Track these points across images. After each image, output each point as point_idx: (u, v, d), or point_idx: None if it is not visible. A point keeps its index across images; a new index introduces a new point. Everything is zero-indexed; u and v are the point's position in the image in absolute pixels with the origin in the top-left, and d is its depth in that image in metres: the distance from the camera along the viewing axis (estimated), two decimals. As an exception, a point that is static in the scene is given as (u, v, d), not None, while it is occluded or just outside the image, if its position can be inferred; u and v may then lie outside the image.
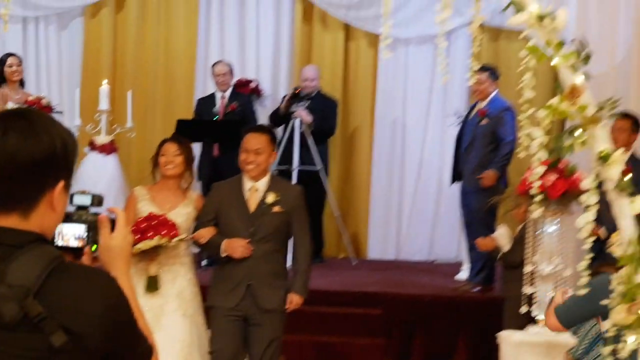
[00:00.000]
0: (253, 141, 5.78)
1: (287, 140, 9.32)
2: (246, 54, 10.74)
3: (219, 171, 8.78)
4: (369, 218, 10.65)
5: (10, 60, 9.01)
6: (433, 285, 8.70)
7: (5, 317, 1.91)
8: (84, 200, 2.24)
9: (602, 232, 6.49)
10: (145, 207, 5.87)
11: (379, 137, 10.62)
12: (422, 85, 10.54)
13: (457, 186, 8.64)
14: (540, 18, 2.92)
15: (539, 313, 5.20)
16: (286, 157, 9.22)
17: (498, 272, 7.76)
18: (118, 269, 2.19)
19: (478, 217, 8.01)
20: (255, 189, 5.82)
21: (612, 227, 3.49)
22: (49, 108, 8.70)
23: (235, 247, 5.71)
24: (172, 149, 5.94)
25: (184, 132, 7.16)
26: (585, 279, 3.39)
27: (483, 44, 10.01)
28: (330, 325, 7.81)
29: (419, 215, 10.62)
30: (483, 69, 8.13)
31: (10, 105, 8.59)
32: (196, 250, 6.41)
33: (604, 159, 3.06)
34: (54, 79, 10.73)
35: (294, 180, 8.91)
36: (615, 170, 3.05)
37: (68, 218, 2.16)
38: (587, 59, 2.99)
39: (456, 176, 8.51)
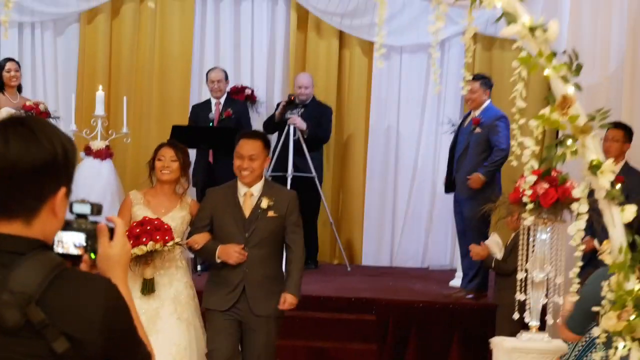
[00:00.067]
0: (247, 147, 5.79)
1: (281, 147, 9.35)
2: (241, 60, 10.77)
3: (214, 177, 8.80)
4: (363, 224, 10.68)
5: (8, 66, 9.02)
6: (427, 291, 8.72)
7: (8, 323, 1.93)
8: (84, 208, 2.23)
9: (596, 243, 6.53)
10: (140, 212, 5.89)
11: (373, 144, 10.66)
12: (416, 92, 10.58)
13: (450, 194, 8.67)
14: (532, 29, 2.97)
15: (531, 320, 5.23)
16: (281, 164, 9.26)
17: (491, 279, 7.79)
18: (116, 277, 2.19)
19: (471, 224, 8.04)
20: (250, 194, 5.83)
21: (604, 237, 3.54)
22: (46, 114, 8.71)
23: (230, 253, 5.73)
24: (169, 154, 5.96)
25: (179, 138, 7.19)
26: (576, 286, 3.43)
27: (477, 52, 10.10)
28: (324, 331, 7.83)
29: (413, 222, 10.65)
30: (475, 77, 8.17)
31: (7, 110, 8.61)
32: (191, 255, 6.44)
33: (594, 168, 3.10)
34: (49, 85, 10.74)
35: (288, 186, 8.93)
36: (605, 179, 3.09)
37: (68, 226, 2.18)
38: (578, 70, 3.03)
39: (450, 185, 8.54)
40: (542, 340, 5.18)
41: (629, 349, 3.29)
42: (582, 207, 3.19)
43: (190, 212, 5.99)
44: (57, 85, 10.76)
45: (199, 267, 8.48)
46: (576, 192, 3.23)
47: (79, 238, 2.19)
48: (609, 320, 3.32)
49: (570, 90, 3.02)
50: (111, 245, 2.24)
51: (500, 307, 6.82)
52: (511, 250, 6.64)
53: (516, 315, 5.23)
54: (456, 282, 8.79)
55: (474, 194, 8.00)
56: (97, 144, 9.16)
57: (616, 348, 3.32)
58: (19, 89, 9.17)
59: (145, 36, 10.75)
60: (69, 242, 2.17)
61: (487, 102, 8.26)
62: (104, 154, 9.17)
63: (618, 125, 7.31)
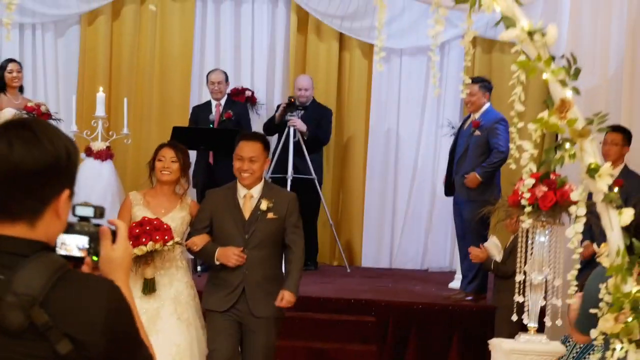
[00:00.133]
0: (247, 149, 5.80)
1: (281, 149, 9.37)
2: (241, 62, 10.81)
3: (214, 179, 8.83)
4: (363, 226, 10.71)
5: (10, 66, 9.04)
6: (426, 293, 8.75)
7: (12, 325, 1.95)
8: (87, 211, 2.25)
9: (596, 247, 6.55)
10: (140, 212, 5.89)
11: (373, 146, 10.69)
12: (416, 95, 10.61)
13: (451, 196, 8.69)
14: (531, 34, 2.99)
15: (529, 321, 5.25)
16: (281, 166, 9.28)
17: (490, 282, 7.81)
18: (118, 279, 2.20)
19: (470, 227, 8.06)
20: (250, 196, 5.84)
21: (603, 240, 3.56)
22: (47, 115, 8.74)
23: (229, 255, 5.74)
24: (169, 154, 5.96)
25: (180, 139, 7.21)
26: (574, 288, 3.45)
27: (476, 55, 10.11)
28: (323, 332, 7.84)
29: (412, 224, 10.68)
30: (475, 80, 8.19)
31: (9, 110, 8.64)
32: (191, 256, 6.45)
33: (592, 171, 3.12)
34: (50, 86, 10.77)
35: (288, 188, 8.95)
36: (603, 182, 3.10)
37: (70, 228, 2.19)
38: (576, 74, 3.05)
39: (450, 188, 8.56)
40: (540, 342, 5.20)
41: (626, 351, 3.31)
42: (580, 210, 3.21)
43: (190, 212, 6.00)
44: (58, 86, 10.79)
45: (199, 268, 8.49)
46: (574, 195, 3.25)
47: (82, 241, 2.20)
48: (606, 323, 3.34)
49: (568, 94, 3.04)
50: (114, 248, 2.25)
51: (499, 309, 6.83)
52: (510, 252, 6.66)
53: (515, 317, 5.25)
54: (455, 284, 8.81)
55: (474, 197, 8.01)
56: (98, 145, 9.19)
57: (613, 350, 3.34)
58: (21, 89, 9.19)
59: (146, 38, 10.78)
60: (72, 245, 2.18)
61: (487, 104, 8.27)
62: (104, 155, 9.21)
63: (617, 128, 7.33)
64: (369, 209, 10.70)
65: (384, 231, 10.73)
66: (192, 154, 9.00)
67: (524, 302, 5.27)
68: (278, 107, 9.77)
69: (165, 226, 5.77)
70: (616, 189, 3.18)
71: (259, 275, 5.79)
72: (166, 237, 5.73)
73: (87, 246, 2.20)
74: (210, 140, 9.38)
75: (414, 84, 10.60)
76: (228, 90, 9.93)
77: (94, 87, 9.91)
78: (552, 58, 3.08)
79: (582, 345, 5.28)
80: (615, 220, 3.24)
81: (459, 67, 10.00)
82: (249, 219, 5.81)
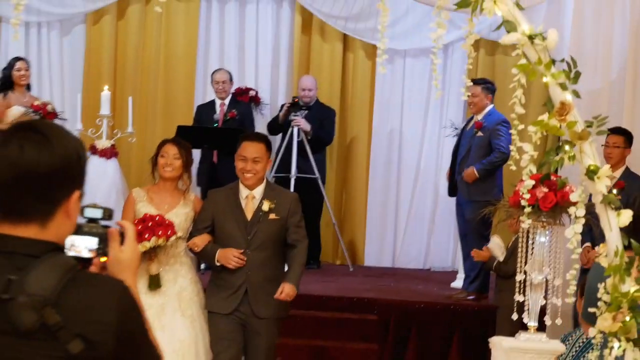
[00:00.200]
0: (251, 149, 5.79)
1: (285, 149, 9.42)
2: (245, 62, 10.84)
3: (218, 177, 8.87)
4: (366, 226, 10.74)
5: (18, 65, 9.07)
6: (428, 292, 8.79)
7: (24, 325, 1.97)
8: (95, 213, 2.27)
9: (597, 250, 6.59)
10: (144, 209, 5.89)
11: (376, 147, 10.72)
12: (419, 96, 10.64)
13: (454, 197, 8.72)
14: (531, 38, 3.04)
15: (529, 320, 5.30)
16: (284, 165, 9.33)
17: (492, 281, 7.85)
18: (126, 280, 2.20)
19: (473, 227, 8.11)
20: (252, 197, 5.83)
21: (602, 241, 3.60)
22: (53, 114, 8.77)
23: (229, 257, 5.73)
24: (172, 151, 5.96)
25: (184, 138, 7.23)
26: (573, 288, 3.50)
27: (480, 57, 10.14)
28: (326, 330, 7.89)
29: (415, 224, 10.71)
30: (477, 82, 8.23)
31: (17, 109, 8.69)
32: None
33: (591, 173, 3.16)
34: (55, 84, 10.80)
35: (292, 187, 9.01)
36: (602, 184, 3.15)
37: (79, 230, 2.21)
38: (576, 77, 3.10)
39: (453, 188, 8.60)
40: (540, 340, 5.25)
41: (624, 350, 3.36)
42: (579, 211, 3.26)
43: (194, 208, 5.99)
44: (63, 85, 10.83)
45: (202, 266, 8.53)
46: (574, 196, 3.30)
47: (92, 242, 2.22)
48: (604, 321, 3.38)
49: (568, 97, 3.08)
50: (122, 249, 2.27)
51: (501, 309, 6.87)
52: (512, 252, 6.69)
53: (515, 316, 5.29)
54: (458, 283, 8.84)
55: (475, 197, 8.04)
56: (103, 143, 9.22)
57: (611, 348, 3.39)
58: (28, 87, 9.23)
59: (151, 37, 10.83)
60: (82, 246, 2.21)
61: (490, 106, 8.31)
62: (109, 153, 9.23)
63: (618, 131, 7.37)
64: (371, 208, 10.74)
65: (386, 231, 10.76)
66: (197, 153, 9.07)
67: (524, 301, 5.31)
68: (282, 106, 9.83)
69: (167, 222, 5.77)
70: (615, 191, 3.22)
71: (260, 276, 5.78)
72: (169, 233, 5.73)
73: (96, 247, 2.22)
74: (214, 139, 9.42)
75: (417, 85, 10.64)
76: (232, 90, 9.97)
77: (99, 85, 9.95)
78: (553, 61, 3.13)
79: (581, 344, 5.32)
80: (614, 221, 3.28)
81: (462, 69, 10.02)
82: (251, 220, 5.80)
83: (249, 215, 5.81)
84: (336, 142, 10.37)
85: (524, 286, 5.36)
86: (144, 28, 10.83)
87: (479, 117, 8.31)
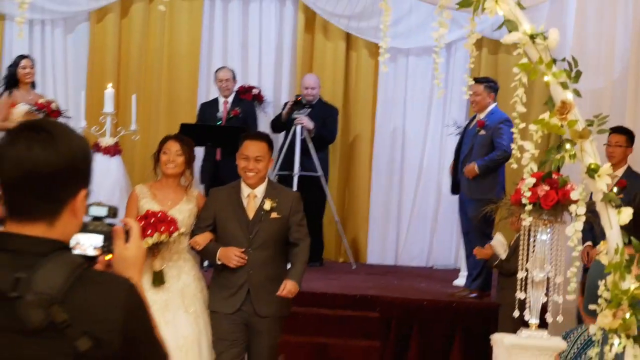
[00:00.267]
0: (253, 148, 5.78)
1: (288, 147, 9.44)
2: (249, 61, 10.86)
3: (221, 175, 8.89)
4: (369, 224, 10.76)
5: (23, 62, 9.09)
6: (430, 290, 8.80)
7: (32, 323, 1.98)
8: (100, 211, 2.29)
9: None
10: (147, 205, 5.89)
11: (379, 145, 10.74)
12: (422, 94, 10.65)
13: (457, 195, 8.74)
14: (532, 37, 3.06)
15: (530, 317, 5.32)
16: (287, 163, 9.36)
17: (495, 279, 7.87)
18: (131, 277, 2.21)
19: (475, 225, 8.13)
20: (254, 196, 5.83)
21: (603, 239, 3.63)
22: (58, 112, 8.79)
23: (230, 256, 5.73)
24: (174, 147, 5.95)
25: (187, 136, 7.26)
26: (573, 285, 3.53)
27: (483, 56, 10.15)
28: (328, 327, 7.91)
29: (418, 222, 10.73)
30: (480, 80, 8.26)
31: (23, 106, 8.72)
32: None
33: (592, 171, 3.19)
34: (59, 82, 10.83)
35: (295, 185, 9.04)
36: (602, 182, 3.18)
37: (85, 228, 2.22)
38: (577, 76, 3.12)
39: (457, 187, 8.63)
40: (541, 337, 5.27)
41: (624, 346, 3.39)
42: (580, 209, 3.29)
43: (197, 205, 5.98)
44: (67, 83, 10.86)
45: (205, 263, 8.55)
46: (574, 195, 3.33)
47: (97, 240, 2.24)
48: (604, 318, 3.41)
49: (569, 96, 3.11)
50: (127, 247, 2.29)
51: (503, 307, 6.89)
52: (514, 250, 6.71)
53: (516, 313, 5.32)
54: (460, 281, 8.86)
55: (478, 195, 8.05)
56: (106, 141, 9.25)
57: (611, 345, 3.41)
58: (33, 85, 9.26)
59: (154, 35, 10.86)
60: (87, 244, 2.22)
61: (493, 105, 8.32)
62: (112, 151, 9.26)
63: (621, 130, 7.40)
64: (374, 206, 10.76)
65: (389, 229, 10.78)
66: (200, 151, 9.09)
67: (525, 298, 5.34)
68: (285, 105, 9.85)
69: (169, 218, 5.77)
70: (616, 189, 3.25)
71: (262, 275, 5.78)
72: (171, 229, 5.73)
73: (101, 245, 2.24)
74: (217, 137, 9.45)
75: (420, 84, 10.64)
76: (235, 88, 10.00)
77: (102, 83, 9.98)
78: (554, 61, 3.16)
79: (582, 342, 5.35)
80: (614, 219, 3.31)
81: (465, 68, 10.02)
82: (253, 219, 5.80)
83: (250, 214, 5.82)
84: (339, 140, 10.40)
85: (526, 284, 5.38)
86: (147, 26, 10.86)
87: (482, 115, 8.33)
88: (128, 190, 8.99)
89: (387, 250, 10.78)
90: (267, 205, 5.78)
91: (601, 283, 3.43)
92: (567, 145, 3.17)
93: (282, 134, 9.82)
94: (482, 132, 8.23)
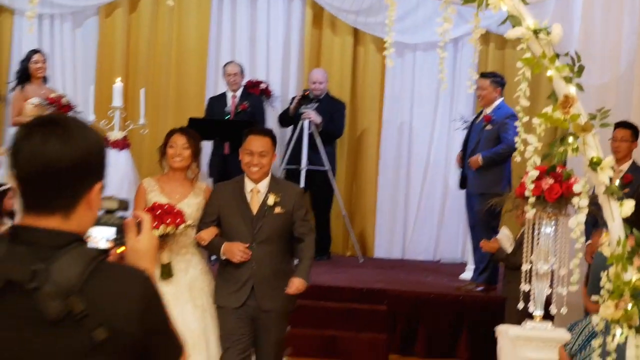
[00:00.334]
0: (257, 143, 5.79)
1: (296, 141, 9.49)
2: (257, 55, 10.90)
3: (229, 170, 8.92)
4: (376, 218, 10.81)
5: (35, 57, 9.15)
6: (437, 283, 8.85)
7: (50, 314, 2.02)
8: (112, 204, 2.34)
9: None
10: (155, 198, 5.89)
11: (386, 139, 10.78)
12: (429, 89, 10.68)
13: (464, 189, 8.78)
14: (536, 32, 3.10)
15: (535, 309, 5.35)
16: (295, 157, 9.40)
17: (501, 273, 7.90)
18: (146, 269, 2.24)
19: (481, 218, 8.17)
20: (257, 191, 5.82)
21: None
22: (68, 107, 8.85)
23: (234, 252, 5.72)
24: (180, 141, 5.94)
25: (196, 130, 7.30)
26: (577, 276, 3.57)
27: (489, 51, 10.17)
28: (336, 320, 7.96)
29: (425, 216, 10.77)
30: (486, 75, 8.30)
31: (35, 100, 8.78)
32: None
33: (594, 165, 3.23)
34: (68, 76, 10.88)
35: (302, 179, 9.08)
36: (605, 175, 3.22)
37: (97, 221, 2.26)
38: (580, 71, 3.16)
39: (464, 181, 8.65)
40: (545, 329, 5.30)
41: (626, 337, 3.43)
42: (582, 201, 3.33)
43: (205, 198, 5.97)
44: (76, 77, 10.91)
45: (212, 257, 8.59)
46: (577, 187, 3.37)
47: (109, 232, 2.29)
48: (607, 309, 3.45)
49: (572, 90, 3.15)
50: (138, 239, 2.34)
51: (509, 300, 6.91)
52: (520, 244, 6.74)
53: (521, 305, 5.35)
54: (467, 275, 8.90)
55: (484, 190, 8.08)
56: (115, 135, 9.28)
57: (614, 335, 3.46)
58: (45, 79, 9.32)
59: (163, 30, 10.90)
60: (99, 237, 2.28)
61: (499, 100, 8.35)
62: (121, 145, 9.29)
63: (626, 125, 7.43)
64: (381, 200, 10.81)
65: (396, 223, 10.82)
66: (208, 145, 9.14)
67: (529, 290, 5.37)
68: (292, 99, 9.90)
69: (176, 210, 5.77)
70: (617, 182, 3.30)
71: (267, 270, 5.77)
72: (178, 221, 5.73)
73: (113, 238, 2.29)
74: (225, 131, 9.49)
75: (427, 79, 10.66)
76: (243, 83, 10.05)
77: (111, 77, 10.01)
78: (557, 55, 3.20)
79: (587, 333, 5.40)
80: (617, 211, 3.36)
81: (471, 63, 10.05)
82: (257, 214, 5.79)
83: (254, 209, 5.81)
84: (346, 134, 10.44)
85: (530, 276, 5.41)
86: (156, 21, 10.91)
87: (488, 110, 8.37)
88: (136, 184, 9.00)
89: (394, 244, 10.82)
90: (271, 200, 5.77)
91: (603, 274, 3.47)
92: (570, 139, 3.21)
93: (290, 128, 9.87)
94: (489, 126, 8.27)
